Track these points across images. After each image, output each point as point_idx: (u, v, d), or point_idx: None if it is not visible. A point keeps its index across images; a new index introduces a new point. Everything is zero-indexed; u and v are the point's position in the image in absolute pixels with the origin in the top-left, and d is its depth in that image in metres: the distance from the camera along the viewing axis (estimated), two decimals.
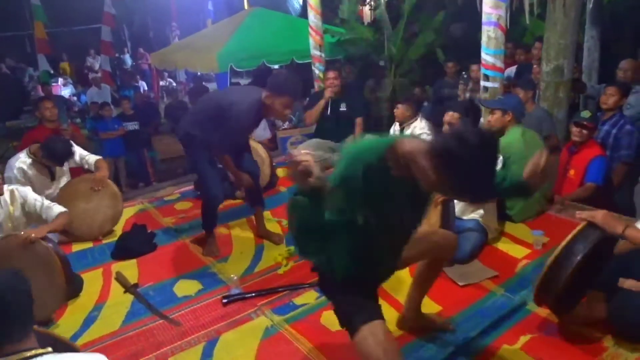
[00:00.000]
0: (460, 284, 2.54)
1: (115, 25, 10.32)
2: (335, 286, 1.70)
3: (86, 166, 3.61)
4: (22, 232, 2.57)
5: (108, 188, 3.50)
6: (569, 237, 1.94)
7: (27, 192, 2.89)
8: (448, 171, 1.31)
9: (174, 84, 11.42)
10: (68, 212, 2.88)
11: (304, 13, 6.41)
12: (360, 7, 11.01)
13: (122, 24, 14.51)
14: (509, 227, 3.16)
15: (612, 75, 4.36)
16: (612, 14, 6.27)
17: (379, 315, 1.62)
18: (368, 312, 1.61)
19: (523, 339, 2.11)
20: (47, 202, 2.87)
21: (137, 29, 15.61)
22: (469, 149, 1.28)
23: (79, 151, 3.58)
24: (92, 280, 2.89)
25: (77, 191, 3.42)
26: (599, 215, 1.92)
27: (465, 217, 2.96)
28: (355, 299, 1.64)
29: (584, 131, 3.43)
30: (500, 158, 2.84)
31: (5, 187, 2.82)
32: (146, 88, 10.72)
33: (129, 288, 2.79)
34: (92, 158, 3.59)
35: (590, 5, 5.69)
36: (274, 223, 3.52)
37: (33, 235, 2.51)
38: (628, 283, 2.15)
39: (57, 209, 2.84)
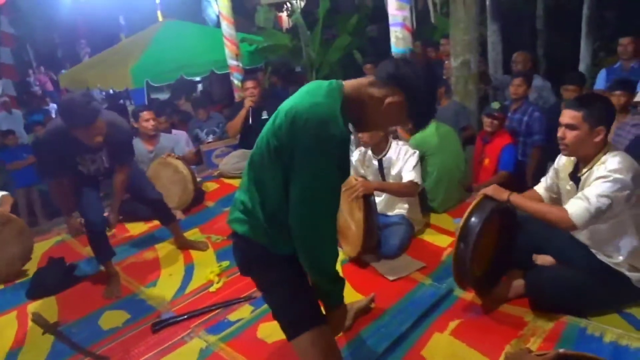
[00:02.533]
0: (391, 278, 2.60)
1: (14, 45, 9.60)
2: (274, 262, 1.63)
3: None
4: None
5: (12, 223, 3.17)
6: (467, 211, 2.09)
7: None
8: (405, 90, 1.41)
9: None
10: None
11: (220, 23, 6.33)
12: (279, 14, 11.06)
13: (24, 44, 13.51)
14: (433, 218, 3.29)
15: None
16: (509, 9, 6.75)
17: (321, 318, 1.59)
18: (311, 313, 1.57)
19: (452, 325, 2.19)
20: None
21: (43, 48, 14.60)
22: (413, 66, 1.43)
23: None
24: (4, 325, 2.65)
25: None
26: (489, 188, 2.16)
27: (390, 213, 3.04)
28: (295, 288, 1.60)
29: (495, 121, 3.67)
30: (417, 153, 2.95)
31: None
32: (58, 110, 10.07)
33: (48, 328, 2.57)
34: None
35: (488, 2, 6.11)
36: (203, 240, 3.42)
37: None
38: (541, 259, 2.33)
39: None
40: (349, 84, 1.51)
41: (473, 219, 2.05)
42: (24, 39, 12.79)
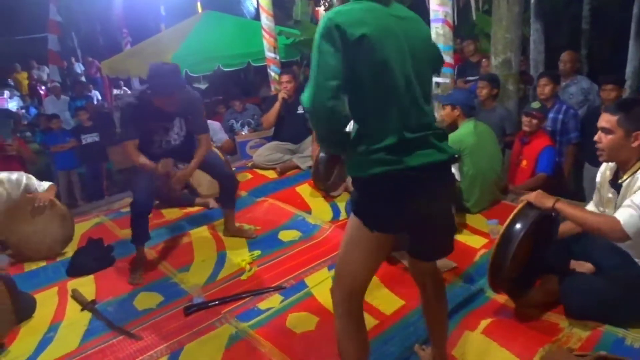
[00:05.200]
0: None
1: (61, 32, 9.94)
2: None
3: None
4: None
5: (56, 208, 3.27)
6: (509, 219, 2.03)
7: None
8: None
9: (129, 92, 11.11)
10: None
11: (258, 16, 6.38)
12: (316, 8, 11.07)
13: (69, 32, 13.99)
14: (467, 218, 3.24)
15: (557, 67, 4.55)
16: (551, 7, 6.55)
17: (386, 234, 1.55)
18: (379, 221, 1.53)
19: (484, 323, 2.17)
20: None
21: (86, 36, 15.08)
22: None
23: (33, 186, 3.32)
24: (46, 299, 2.77)
25: (18, 214, 3.18)
26: (533, 195, 2.07)
27: None
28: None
29: (534, 121, 3.57)
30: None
31: None
32: (100, 97, 10.39)
33: (86, 305, 2.68)
34: (44, 188, 3.34)
35: (533, 1, 5.94)
36: (251, 228, 3.46)
37: None
38: (578, 266, 2.26)
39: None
40: None
41: (516, 227, 1.99)
42: (69, 27, 13.25)
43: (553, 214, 2.06)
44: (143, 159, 2.88)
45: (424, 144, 1.50)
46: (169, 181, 3.01)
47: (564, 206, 2.01)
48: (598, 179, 2.19)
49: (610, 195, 2.08)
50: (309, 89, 1.45)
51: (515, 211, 2.06)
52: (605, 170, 2.13)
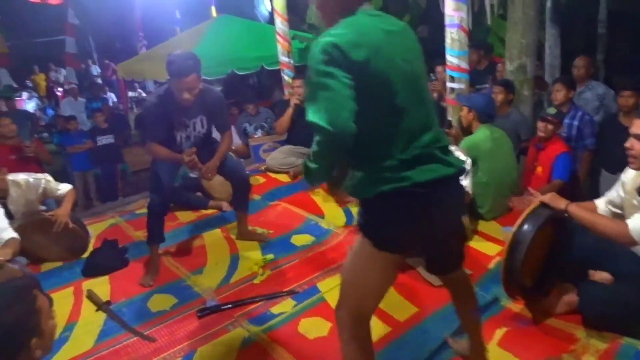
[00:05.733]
0: (435, 284, 2.56)
1: (79, 35, 10.10)
2: None
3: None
4: None
5: (72, 230, 3.20)
6: (521, 218, 2.03)
7: None
8: None
9: (144, 95, 11.24)
10: (18, 239, 2.78)
11: (271, 20, 6.42)
12: None
13: (86, 35, 14.21)
14: (481, 225, 3.22)
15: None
16: (568, 11, 6.48)
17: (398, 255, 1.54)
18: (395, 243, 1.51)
19: (499, 333, 2.15)
20: (2, 224, 2.80)
21: (103, 39, 15.31)
22: None
23: (51, 190, 3.31)
24: (62, 299, 2.80)
25: (36, 230, 3.12)
26: (547, 196, 2.10)
27: None
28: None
29: (549, 126, 3.53)
30: (469, 161, 2.90)
31: None
32: (115, 99, 10.52)
33: (101, 306, 2.71)
34: (63, 192, 3.33)
35: (549, 4, 5.88)
36: (264, 232, 3.48)
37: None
38: (598, 275, 2.23)
39: (8, 234, 2.75)
40: None
41: (526, 226, 1.99)
42: (86, 30, 13.46)
43: (567, 219, 2.05)
44: (169, 152, 2.89)
45: (430, 159, 1.49)
46: (199, 171, 2.96)
47: (576, 209, 2.04)
48: (622, 178, 2.16)
49: (635, 202, 2.05)
50: (325, 113, 1.38)
51: (527, 211, 2.06)
52: (634, 175, 2.10)
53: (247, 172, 4.39)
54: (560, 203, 2.05)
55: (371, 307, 1.62)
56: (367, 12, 1.56)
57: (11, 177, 3.23)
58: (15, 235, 2.77)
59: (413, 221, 1.48)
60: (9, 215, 3.17)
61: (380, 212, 1.49)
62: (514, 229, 2.03)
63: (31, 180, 3.29)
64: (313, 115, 1.41)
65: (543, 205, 2.08)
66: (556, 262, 2.21)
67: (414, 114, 1.48)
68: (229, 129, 3.15)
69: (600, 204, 2.26)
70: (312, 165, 1.51)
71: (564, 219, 2.11)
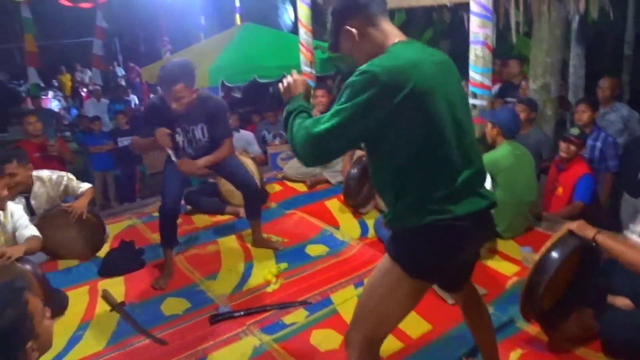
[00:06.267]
0: (450, 302, 2.53)
1: (106, 38, 10.33)
2: None
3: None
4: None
5: (88, 221, 3.24)
6: (548, 245, 1.99)
7: (17, 207, 2.90)
8: None
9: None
10: (40, 237, 2.81)
11: (295, 29, 6.47)
12: None
13: (113, 37, 14.52)
14: (499, 244, 3.17)
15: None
16: (594, 31, 6.41)
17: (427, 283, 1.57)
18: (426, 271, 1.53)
19: (514, 355, 2.11)
20: (24, 222, 2.84)
21: (128, 42, 15.63)
22: None
23: (72, 188, 3.38)
24: (77, 297, 2.84)
25: (53, 222, 3.17)
26: (575, 224, 2.03)
27: None
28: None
29: (572, 147, 3.48)
30: (488, 177, 2.86)
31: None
32: (137, 102, 10.70)
33: (115, 306, 2.74)
34: (83, 190, 3.38)
35: (575, 25, 5.83)
36: (279, 240, 3.48)
37: (8, 253, 2.45)
38: (618, 301, 2.18)
39: (30, 231, 2.79)
40: None
41: (553, 254, 1.94)
42: (113, 33, 13.76)
43: (596, 248, 2.00)
44: (146, 140, 2.95)
45: (470, 192, 1.52)
46: (178, 161, 2.94)
47: (605, 239, 1.96)
48: None
49: None
50: (319, 128, 1.44)
51: (554, 238, 2.01)
52: None
53: (265, 179, 4.43)
54: (589, 232, 1.98)
55: (387, 332, 1.64)
56: (408, 43, 1.55)
57: (35, 173, 3.31)
58: (36, 233, 2.82)
59: (452, 252, 1.53)
60: (31, 211, 3.24)
61: (420, 242, 1.51)
62: (538, 256, 1.98)
63: (54, 177, 3.36)
64: (312, 129, 1.46)
65: (571, 233, 2.01)
66: (579, 288, 2.15)
67: (459, 146, 1.49)
68: (228, 136, 3.12)
69: (631, 235, 2.20)
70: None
71: (594, 249, 2.04)
